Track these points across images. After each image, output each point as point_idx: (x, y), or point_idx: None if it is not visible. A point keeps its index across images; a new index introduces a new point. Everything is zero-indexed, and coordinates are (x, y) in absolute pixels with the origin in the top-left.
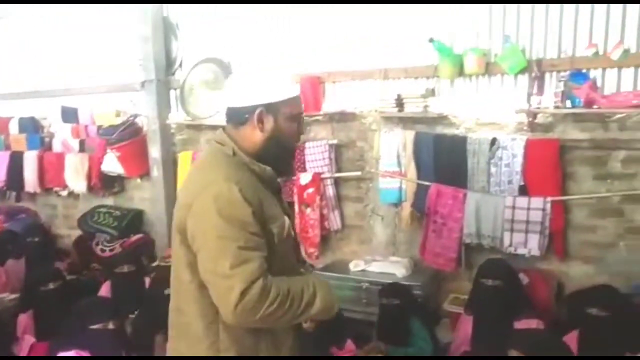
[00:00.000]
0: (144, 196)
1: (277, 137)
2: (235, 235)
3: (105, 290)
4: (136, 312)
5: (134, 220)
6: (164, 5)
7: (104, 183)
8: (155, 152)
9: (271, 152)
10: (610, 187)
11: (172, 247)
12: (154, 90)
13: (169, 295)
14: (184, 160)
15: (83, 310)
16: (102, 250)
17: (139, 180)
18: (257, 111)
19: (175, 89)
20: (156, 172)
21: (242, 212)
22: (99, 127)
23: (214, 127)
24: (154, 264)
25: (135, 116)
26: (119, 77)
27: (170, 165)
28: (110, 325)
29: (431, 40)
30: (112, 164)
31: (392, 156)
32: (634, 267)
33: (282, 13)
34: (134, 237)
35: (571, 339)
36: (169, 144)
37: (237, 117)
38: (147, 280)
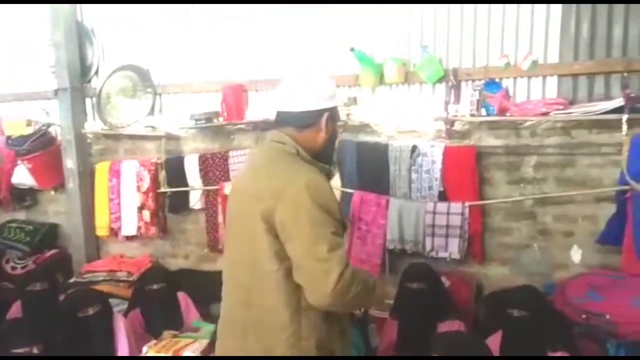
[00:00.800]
0: (58, 209)
1: (332, 138)
2: (328, 221)
3: (15, 310)
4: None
5: (48, 234)
6: (78, 9)
7: (14, 196)
8: (70, 163)
9: (328, 151)
10: (523, 191)
11: (240, 242)
12: (69, 99)
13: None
14: (101, 171)
15: (3, 335)
16: (13, 268)
17: (52, 192)
18: (325, 115)
19: (91, 97)
20: (72, 183)
21: (332, 200)
22: (8, 138)
23: (133, 137)
24: (71, 280)
25: (48, 125)
26: (30, 84)
27: (87, 176)
28: (35, 350)
29: (352, 49)
30: (23, 176)
31: None
32: (546, 268)
33: (204, 20)
34: (49, 253)
35: (495, 340)
36: (85, 154)
37: (301, 120)
38: (62, 298)
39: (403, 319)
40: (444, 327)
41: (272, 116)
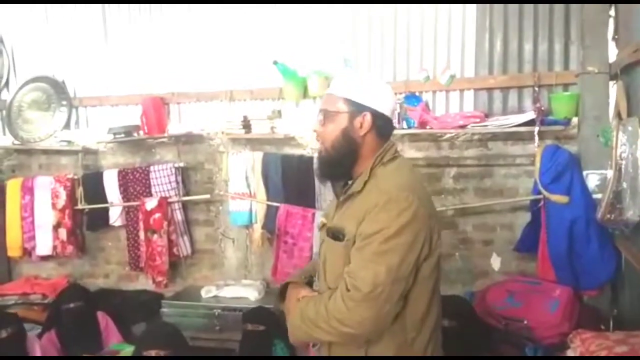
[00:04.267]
0: None
1: None
2: None
3: None
4: None
5: None
6: None
7: None
8: None
9: None
10: (444, 202)
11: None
12: None
13: None
14: (13, 188)
15: None
16: None
17: None
18: None
19: (1, 110)
20: None
21: None
22: None
23: (47, 152)
24: None
25: None
26: None
27: None
28: None
29: (275, 62)
30: None
31: (241, 178)
32: (468, 276)
33: (123, 30)
34: None
35: None
36: None
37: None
38: None
39: None
40: None
41: (194, 129)
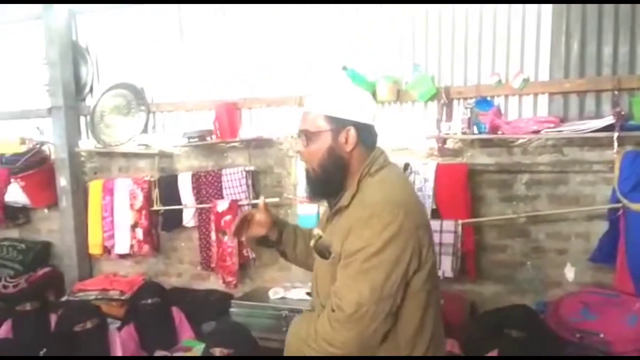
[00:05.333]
0: (52, 227)
1: None
2: None
3: (5, 330)
4: (43, 352)
5: (41, 253)
6: (73, 28)
7: (7, 215)
8: (63, 181)
9: None
10: (516, 209)
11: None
12: (62, 117)
13: (80, 332)
14: (95, 189)
15: None
16: (5, 287)
17: (46, 210)
18: None
19: (85, 116)
20: (65, 202)
21: None
22: (2, 156)
23: (126, 155)
24: (63, 298)
25: (42, 144)
26: (24, 102)
27: (80, 194)
28: None
29: (344, 68)
30: (16, 195)
31: None
32: (540, 285)
33: (198, 38)
34: (41, 271)
35: None
36: (78, 172)
37: None
38: (54, 318)
39: None
40: None
41: (264, 134)
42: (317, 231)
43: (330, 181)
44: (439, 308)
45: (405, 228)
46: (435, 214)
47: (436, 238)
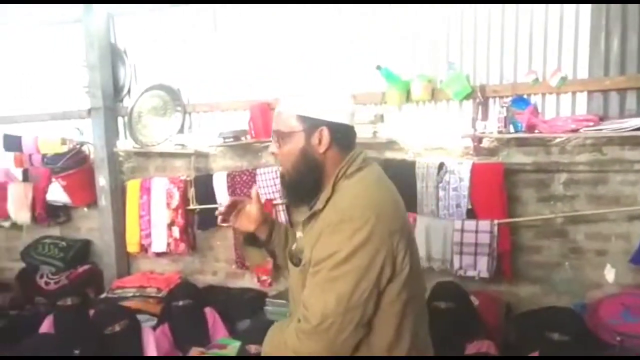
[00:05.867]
0: (91, 226)
1: None
2: None
3: (47, 325)
4: (77, 352)
5: (81, 251)
6: (112, 31)
7: (49, 213)
8: (102, 180)
9: None
10: (553, 209)
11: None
12: (102, 118)
13: (110, 335)
14: (132, 188)
15: (27, 348)
16: (47, 283)
17: (85, 209)
18: None
19: (123, 116)
20: (104, 201)
21: None
22: (44, 156)
23: (163, 155)
24: (102, 295)
25: (82, 144)
26: (64, 104)
27: (118, 193)
28: None
29: (378, 67)
30: (57, 194)
31: None
32: (578, 287)
33: (232, 39)
34: (81, 269)
35: None
36: (116, 172)
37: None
38: (93, 314)
39: (431, 339)
40: (473, 347)
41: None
42: (298, 234)
43: (304, 183)
44: (422, 319)
45: (377, 234)
46: (471, 213)
47: (471, 238)
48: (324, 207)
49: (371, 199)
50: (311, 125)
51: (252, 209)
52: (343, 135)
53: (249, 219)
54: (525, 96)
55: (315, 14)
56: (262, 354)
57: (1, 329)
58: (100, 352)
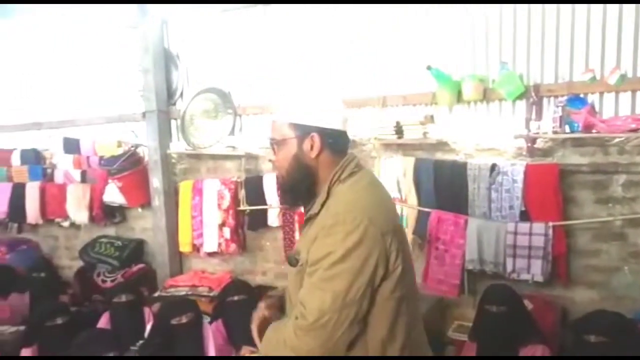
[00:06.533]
0: (145, 226)
1: None
2: None
3: (104, 321)
4: (140, 343)
5: (135, 250)
6: (165, 36)
7: (105, 213)
8: (156, 181)
9: None
10: (612, 211)
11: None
12: (155, 121)
13: (176, 325)
14: (185, 189)
15: (83, 343)
16: (103, 281)
17: (140, 210)
18: None
19: (176, 119)
20: (157, 201)
21: None
22: (101, 158)
23: (214, 157)
24: (155, 294)
25: (137, 146)
26: (120, 108)
27: (171, 194)
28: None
29: (429, 67)
30: (113, 194)
31: (392, 182)
32: (638, 292)
33: (281, 42)
34: (135, 267)
35: None
36: (170, 173)
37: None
38: (147, 311)
39: (482, 342)
40: (527, 351)
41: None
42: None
43: (298, 187)
44: (416, 319)
45: (370, 235)
46: (524, 216)
47: (525, 241)
48: (319, 211)
49: (364, 202)
50: (303, 132)
51: None
52: (335, 141)
53: None
54: (581, 95)
55: (363, 15)
56: (261, 354)
57: (65, 324)
58: (165, 342)
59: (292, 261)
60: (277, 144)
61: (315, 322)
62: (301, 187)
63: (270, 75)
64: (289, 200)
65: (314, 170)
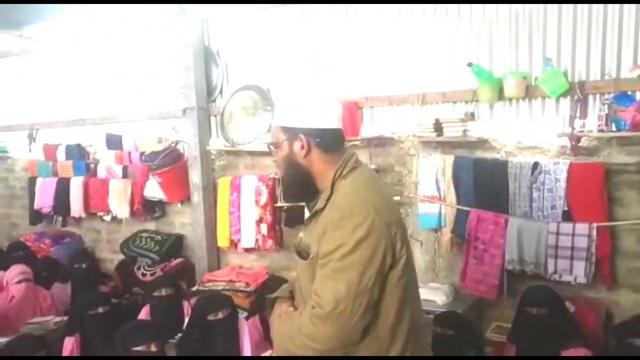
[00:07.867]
0: (184, 221)
1: None
2: None
3: (144, 313)
4: (179, 336)
5: (175, 244)
6: (205, 34)
7: (146, 208)
8: (195, 177)
9: None
10: None
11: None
12: (195, 117)
13: (213, 321)
14: (223, 185)
15: (126, 333)
16: (144, 275)
17: (179, 205)
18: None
19: (215, 116)
20: (196, 197)
21: None
22: (142, 154)
23: (252, 153)
24: (194, 288)
25: (177, 143)
26: (161, 104)
27: (210, 190)
28: (153, 348)
29: (470, 64)
30: (154, 190)
31: (431, 181)
32: None
33: (320, 39)
34: (174, 262)
35: None
36: (209, 169)
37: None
38: (186, 305)
39: (522, 344)
40: (568, 354)
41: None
42: (301, 234)
43: (294, 185)
44: (417, 302)
45: (377, 226)
46: (567, 216)
47: (568, 242)
48: (325, 206)
49: (367, 195)
50: (292, 134)
51: None
52: (324, 140)
53: None
54: (629, 92)
55: (402, 13)
56: (274, 344)
57: (106, 314)
58: (202, 336)
59: (304, 254)
60: (275, 146)
61: (332, 310)
62: (297, 184)
63: (310, 71)
64: (291, 196)
65: (306, 169)
